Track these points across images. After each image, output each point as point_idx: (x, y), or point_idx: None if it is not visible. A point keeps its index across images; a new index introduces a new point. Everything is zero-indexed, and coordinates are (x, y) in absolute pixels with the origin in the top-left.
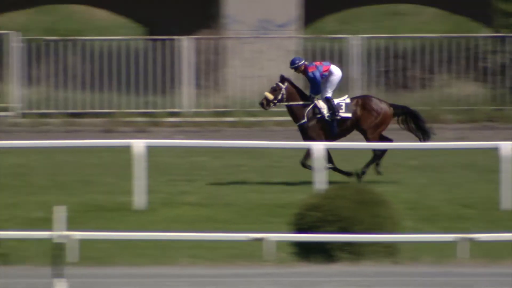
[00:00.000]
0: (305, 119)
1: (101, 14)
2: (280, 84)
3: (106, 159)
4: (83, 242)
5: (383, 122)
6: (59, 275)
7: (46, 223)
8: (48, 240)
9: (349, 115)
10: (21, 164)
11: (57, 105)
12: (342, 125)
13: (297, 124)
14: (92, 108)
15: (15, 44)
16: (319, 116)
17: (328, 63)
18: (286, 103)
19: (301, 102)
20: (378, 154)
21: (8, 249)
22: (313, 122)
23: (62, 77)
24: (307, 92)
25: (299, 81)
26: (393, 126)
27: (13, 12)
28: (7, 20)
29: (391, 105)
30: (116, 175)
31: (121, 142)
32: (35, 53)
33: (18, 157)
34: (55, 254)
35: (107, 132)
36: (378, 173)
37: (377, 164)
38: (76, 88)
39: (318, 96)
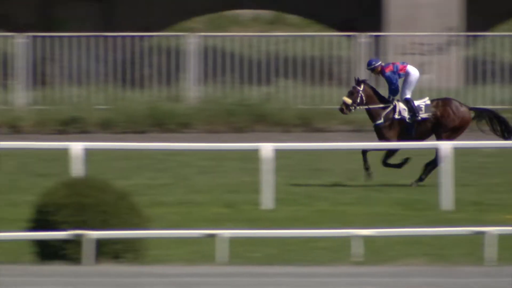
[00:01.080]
0: (382, 120)
1: None
2: (357, 87)
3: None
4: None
5: (462, 126)
6: None
7: None
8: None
9: (429, 116)
10: None
11: None
12: (421, 127)
13: (374, 124)
14: None
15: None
16: (398, 117)
17: (405, 63)
18: (365, 106)
19: (380, 105)
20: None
21: None
22: (389, 123)
23: None
24: (384, 93)
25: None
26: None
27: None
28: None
29: (471, 108)
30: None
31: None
32: None
33: None
34: None
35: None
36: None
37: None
38: None
39: (397, 97)
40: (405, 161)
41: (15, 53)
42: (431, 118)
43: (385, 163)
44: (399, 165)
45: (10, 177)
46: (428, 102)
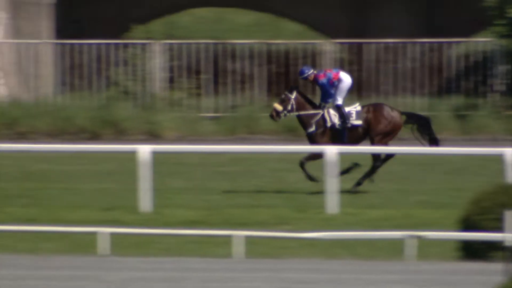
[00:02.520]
0: (314, 128)
1: None
2: (289, 95)
3: None
4: None
5: (393, 130)
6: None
7: None
8: None
9: (360, 122)
10: None
11: None
12: (353, 133)
13: (306, 132)
14: None
15: None
16: (329, 125)
17: (337, 70)
18: (296, 113)
19: (311, 112)
20: (377, 166)
21: None
22: (321, 130)
23: None
24: (316, 100)
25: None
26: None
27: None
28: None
29: (402, 113)
30: None
31: None
32: None
33: None
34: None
35: None
36: (372, 181)
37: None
38: None
39: (330, 105)
40: (353, 166)
41: None
42: (363, 124)
43: (303, 166)
44: (346, 171)
45: None
46: (359, 108)
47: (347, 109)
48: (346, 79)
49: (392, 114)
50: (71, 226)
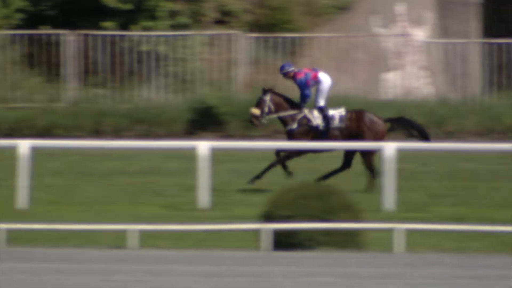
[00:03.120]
0: (296, 125)
1: None
2: (263, 97)
3: None
4: None
5: (377, 139)
6: None
7: None
8: None
9: (342, 126)
10: None
11: None
12: (333, 136)
13: (287, 129)
14: None
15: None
16: (312, 125)
17: (315, 69)
18: (276, 115)
19: (291, 112)
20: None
21: None
22: (303, 129)
23: None
24: (297, 100)
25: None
26: None
27: None
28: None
29: (386, 120)
30: None
31: None
32: None
33: None
34: None
35: None
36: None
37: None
38: None
39: (310, 105)
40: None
41: None
42: (344, 130)
43: (284, 164)
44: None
45: None
46: (344, 112)
47: (331, 111)
48: (325, 79)
49: (375, 122)
50: (498, 225)
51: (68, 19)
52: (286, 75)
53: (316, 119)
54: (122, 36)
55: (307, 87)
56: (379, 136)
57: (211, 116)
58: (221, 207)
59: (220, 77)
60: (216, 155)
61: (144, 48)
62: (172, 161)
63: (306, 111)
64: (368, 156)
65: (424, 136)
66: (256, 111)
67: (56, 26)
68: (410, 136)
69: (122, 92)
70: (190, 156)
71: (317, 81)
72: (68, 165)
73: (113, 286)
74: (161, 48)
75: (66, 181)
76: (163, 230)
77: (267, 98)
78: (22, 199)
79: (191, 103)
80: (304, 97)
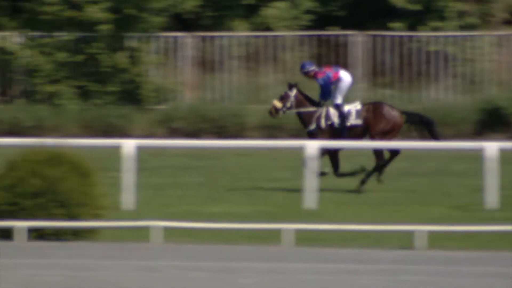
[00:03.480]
0: (315, 126)
1: None
2: (288, 92)
3: None
4: None
5: (393, 129)
6: None
7: None
8: None
9: (359, 122)
10: None
11: None
12: (353, 132)
13: (307, 130)
14: None
15: None
16: (329, 123)
17: (337, 69)
18: (295, 110)
19: (310, 109)
20: (381, 164)
21: None
22: (322, 129)
23: None
24: (317, 98)
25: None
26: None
27: None
28: None
29: (403, 112)
30: None
31: None
32: None
33: None
34: None
35: None
36: (380, 181)
37: (380, 173)
38: None
39: (329, 103)
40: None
41: None
42: (363, 123)
43: (339, 173)
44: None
45: None
46: (359, 107)
47: (347, 107)
48: (346, 78)
49: (392, 113)
50: None
51: (356, 20)
52: (306, 74)
53: (333, 116)
54: (410, 37)
55: (328, 86)
56: (396, 127)
57: (499, 117)
58: (509, 207)
59: (508, 78)
60: (505, 156)
61: (432, 48)
62: (460, 162)
63: (323, 109)
64: (380, 153)
65: (435, 137)
66: (278, 104)
67: (344, 27)
68: (421, 132)
69: (410, 93)
70: (478, 157)
71: (337, 80)
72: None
73: (402, 286)
74: (450, 49)
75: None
76: (451, 231)
77: (292, 93)
78: (309, 199)
79: (479, 104)
80: (324, 96)
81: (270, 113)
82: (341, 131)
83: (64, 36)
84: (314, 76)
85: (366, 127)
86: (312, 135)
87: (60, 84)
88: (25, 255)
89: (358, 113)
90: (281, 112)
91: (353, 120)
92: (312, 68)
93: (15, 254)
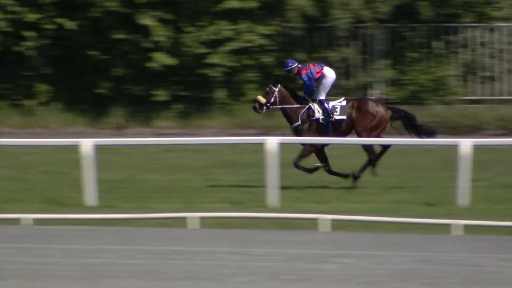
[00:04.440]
0: (299, 122)
1: None
2: (273, 87)
3: None
4: None
5: (379, 125)
6: None
7: None
8: None
9: (344, 117)
10: None
11: None
12: (337, 127)
13: (292, 126)
14: None
15: None
16: (313, 118)
17: (321, 65)
18: (280, 106)
19: (295, 105)
20: (372, 158)
21: None
22: (307, 125)
23: None
24: (301, 94)
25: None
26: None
27: None
28: None
29: (388, 108)
30: None
31: None
32: None
33: None
34: None
35: None
36: (375, 174)
37: (374, 166)
38: None
39: (314, 98)
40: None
41: None
42: (347, 120)
43: (331, 171)
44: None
45: None
46: (344, 103)
47: (331, 103)
48: (330, 74)
49: (377, 108)
50: None
51: None
52: (290, 71)
53: (317, 112)
54: None
55: (311, 82)
56: (383, 122)
57: None
58: None
59: None
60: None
61: None
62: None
63: (308, 106)
64: (370, 148)
65: (423, 131)
66: (262, 99)
67: None
68: (406, 131)
69: None
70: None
71: (321, 76)
72: None
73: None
74: None
75: None
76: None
77: (276, 89)
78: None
79: None
80: (308, 92)
81: (254, 108)
82: (326, 126)
83: None
84: (297, 73)
85: (351, 122)
86: (297, 131)
87: None
88: None
89: (342, 108)
90: (264, 108)
91: (337, 116)
92: (295, 65)
93: None
